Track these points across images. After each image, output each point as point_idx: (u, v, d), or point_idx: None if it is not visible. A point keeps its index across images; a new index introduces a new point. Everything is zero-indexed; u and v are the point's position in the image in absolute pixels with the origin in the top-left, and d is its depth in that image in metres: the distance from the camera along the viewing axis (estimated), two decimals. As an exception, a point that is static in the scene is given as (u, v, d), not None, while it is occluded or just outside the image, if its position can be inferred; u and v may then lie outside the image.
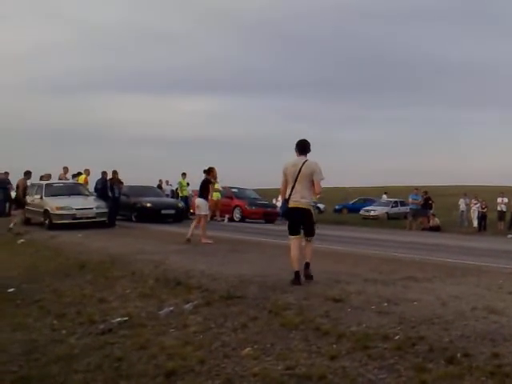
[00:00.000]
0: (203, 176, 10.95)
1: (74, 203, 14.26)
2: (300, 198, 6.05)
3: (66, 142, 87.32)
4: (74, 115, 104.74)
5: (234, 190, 21.29)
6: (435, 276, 6.67)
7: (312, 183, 6.05)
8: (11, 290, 6.71)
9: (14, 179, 19.02)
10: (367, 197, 39.25)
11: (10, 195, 19.05)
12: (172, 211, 17.49)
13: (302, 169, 6.01)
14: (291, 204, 6.10)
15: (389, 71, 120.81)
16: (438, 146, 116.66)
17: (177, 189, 21.89)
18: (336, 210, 35.32)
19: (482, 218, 21.67)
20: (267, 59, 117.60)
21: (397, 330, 4.16)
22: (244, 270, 6.95)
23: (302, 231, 6.27)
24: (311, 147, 6.23)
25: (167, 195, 20.85)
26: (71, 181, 17.58)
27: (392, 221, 26.43)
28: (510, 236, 18.58)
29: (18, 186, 14.25)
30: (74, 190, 15.62)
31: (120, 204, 16.09)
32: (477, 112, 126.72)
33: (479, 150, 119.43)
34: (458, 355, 3.55)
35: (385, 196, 34.14)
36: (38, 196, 14.71)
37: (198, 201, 10.74)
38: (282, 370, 3.52)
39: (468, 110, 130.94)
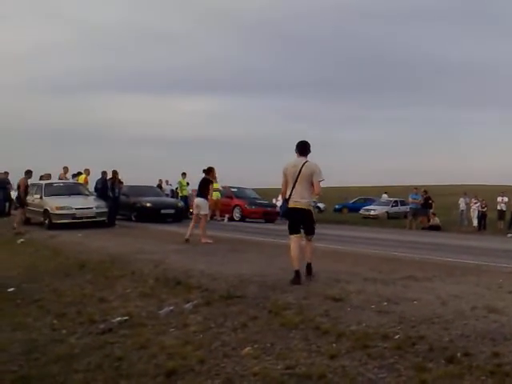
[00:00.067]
0: (203, 176, 10.94)
1: (74, 203, 14.26)
2: (300, 199, 6.09)
3: (66, 142, 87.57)
4: (74, 115, 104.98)
5: (233, 189, 21.28)
6: (435, 275, 6.67)
7: (312, 184, 6.10)
8: (11, 289, 6.70)
9: (14, 179, 19.09)
10: (367, 196, 39.26)
11: (9, 195, 19.09)
12: (172, 211, 17.48)
13: (302, 170, 6.06)
14: (291, 204, 6.15)
15: (389, 71, 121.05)
16: (438, 145, 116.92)
17: (177, 188, 21.89)
18: (336, 210, 35.30)
19: (482, 217, 21.68)
20: (267, 59, 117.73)
21: (397, 329, 4.16)
22: (244, 270, 6.95)
23: (302, 230, 6.30)
24: (311, 148, 6.30)
25: (167, 195, 20.84)
26: (71, 181, 17.58)
27: (392, 220, 26.43)
28: (509, 235, 18.59)
29: (19, 186, 14.24)
30: (73, 190, 15.61)
31: (120, 204, 16.08)
32: (477, 112, 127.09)
33: (479, 150, 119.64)
34: (458, 354, 3.55)
35: (385, 195, 34.11)
36: (38, 196, 14.71)
37: (198, 200, 10.69)
38: (281, 369, 3.52)
39: (468, 110, 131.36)
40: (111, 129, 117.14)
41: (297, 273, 6.05)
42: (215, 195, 17.88)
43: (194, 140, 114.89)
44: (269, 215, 20.10)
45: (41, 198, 14.61)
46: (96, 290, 6.36)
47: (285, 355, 3.75)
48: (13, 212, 18.28)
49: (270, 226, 18.17)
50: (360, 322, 4.39)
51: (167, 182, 23.21)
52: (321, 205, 31.26)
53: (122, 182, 16.71)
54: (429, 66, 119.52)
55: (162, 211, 17.25)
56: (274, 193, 23.59)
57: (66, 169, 18.35)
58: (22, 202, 13.92)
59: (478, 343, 3.78)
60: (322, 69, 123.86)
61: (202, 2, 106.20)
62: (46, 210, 14.14)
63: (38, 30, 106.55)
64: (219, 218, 19.53)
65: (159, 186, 22.04)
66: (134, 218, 17.10)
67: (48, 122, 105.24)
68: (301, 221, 6.21)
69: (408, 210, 23.09)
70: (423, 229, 20.57)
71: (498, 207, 21.50)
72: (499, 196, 21.72)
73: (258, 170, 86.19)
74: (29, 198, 14.70)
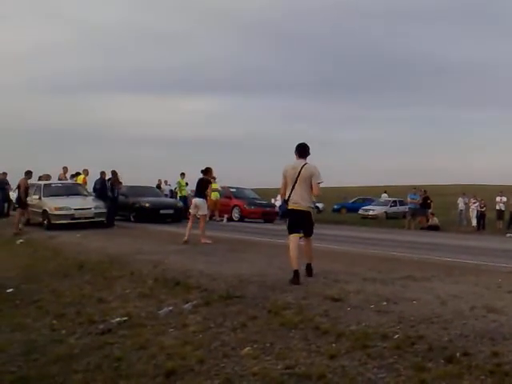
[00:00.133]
0: (200, 176, 10.92)
1: (73, 203, 14.25)
2: (300, 200, 6.20)
3: (66, 142, 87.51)
4: (74, 115, 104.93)
5: (232, 189, 21.29)
6: (434, 275, 6.68)
7: (311, 186, 6.20)
8: (10, 290, 6.70)
9: (14, 179, 19.06)
10: (366, 196, 39.26)
11: (8, 195, 19.06)
12: (171, 211, 17.47)
13: (302, 171, 6.16)
14: (291, 206, 6.24)
15: (389, 71, 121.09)
16: (438, 145, 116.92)
17: (175, 188, 21.89)
18: (335, 210, 35.30)
19: (481, 217, 21.71)
20: (267, 59, 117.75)
21: (396, 329, 4.16)
22: (243, 270, 6.95)
23: (301, 231, 6.34)
24: (310, 151, 6.42)
25: (166, 195, 20.85)
26: (70, 181, 17.56)
27: (391, 220, 26.43)
28: (508, 235, 18.60)
29: (19, 186, 14.23)
30: (72, 191, 15.60)
31: (119, 204, 16.07)
32: (477, 112, 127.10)
33: (479, 150, 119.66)
34: (458, 354, 3.55)
35: (385, 195, 34.08)
36: (37, 196, 14.69)
37: (197, 201, 10.65)
38: (281, 369, 3.52)
39: (468, 110, 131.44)
40: (111, 129, 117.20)
41: (296, 273, 6.06)
42: (214, 195, 17.88)
43: (194, 140, 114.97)
44: (268, 215, 20.11)
45: (39, 198, 14.60)
46: (95, 291, 6.36)
47: (284, 355, 3.75)
48: (12, 213, 18.25)
49: (269, 226, 18.17)
50: (359, 321, 4.39)
51: (166, 182, 23.22)
52: (319, 205, 31.24)
53: (120, 183, 16.69)
54: (429, 66, 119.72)
55: (161, 211, 17.25)
56: (274, 193, 23.61)
57: (65, 169, 18.36)
58: (22, 202, 13.91)
59: (477, 343, 3.78)
60: (322, 69, 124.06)
61: (202, 2, 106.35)
62: (45, 210, 14.13)
63: (38, 29, 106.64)
64: (218, 219, 19.53)
65: (158, 186, 22.05)
66: (132, 219, 17.08)
67: (48, 121, 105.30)
68: (300, 222, 6.28)
69: (407, 210, 23.11)
70: (422, 229, 20.58)
71: (497, 207, 21.54)
72: (498, 196, 21.75)
73: (257, 170, 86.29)
74: (28, 199, 14.69)
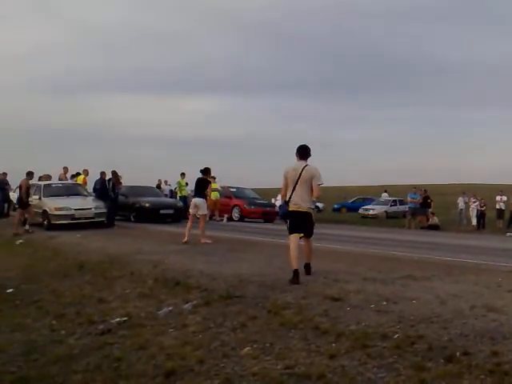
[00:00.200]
0: (199, 176, 10.91)
1: (73, 204, 14.25)
2: (300, 202, 6.25)
3: (66, 142, 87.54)
4: (74, 115, 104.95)
5: (232, 189, 21.29)
6: (434, 274, 6.68)
7: (311, 187, 6.25)
8: (10, 290, 6.70)
9: (14, 179, 19.07)
10: (366, 196, 39.25)
11: (8, 196, 19.07)
12: (171, 211, 17.48)
13: (303, 173, 6.22)
14: (292, 207, 6.29)
15: (389, 71, 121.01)
16: (438, 145, 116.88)
17: (175, 188, 21.89)
18: (335, 209, 35.29)
19: (481, 216, 21.70)
20: (267, 59, 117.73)
21: (396, 328, 4.16)
22: (243, 270, 6.95)
23: (301, 231, 6.35)
24: (311, 152, 6.47)
25: (166, 195, 20.86)
26: (70, 181, 17.57)
27: (391, 219, 26.41)
28: (508, 234, 18.60)
29: (20, 187, 14.25)
30: (72, 191, 15.61)
31: (119, 204, 16.07)
32: (477, 112, 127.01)
33: (479, 150, 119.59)
34: (457, 354, 3.55)
35: (385, 194, 34.02)
36: (37, 197, 14.70)
37: (197, 200, 10.64)
38: (281, 369, 3.52)
39: (468, 110, 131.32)
40: (111, 129, 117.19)
41: (296, 272, 6.06)
42: (214, 195, 17.88)
43: (194, 140, 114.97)
44: (268, 215, 20.11)
45: (39, 198, 14.60)
46: (95, 291, 6.36)
47: (284, 355, 3.75)
48: (12, 213, 18.26)
49: (268, 225, 18.18)
50: (359, 321, 4.39)
51: (166, 182, 23.24)
52: (319, 204, 31.23)
53: (120, 183, 16.70)
54: (429, 66, 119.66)
55: (161, 211, 17.25)
56: (274, 193, 23.62)
57: (66, 169, 18.38)
58: (23, 203, 13.92)
59: (477, 342, 3.78)
60: (322, 69, 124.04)
61: (202, 2, 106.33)
62: (45, 210, 14.13)
63: (38, 29, 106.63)
64: (218, 218, 19.53)
65: (158, 186, 22.06)
66: (132, 219, 17.09)
67: (48, 121, 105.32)
68: (301, 223, 6.33)
69: (407, 209, 23.10)
70: (422, 228, 20.58)
71: (497, 206, 21.53)
72: (498, 195, 21.74)
73: (257, 170, 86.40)
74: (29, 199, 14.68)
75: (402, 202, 29.26)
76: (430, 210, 21.69)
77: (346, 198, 39.20)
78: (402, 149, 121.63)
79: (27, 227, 13.73)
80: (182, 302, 5.40)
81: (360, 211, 30.83)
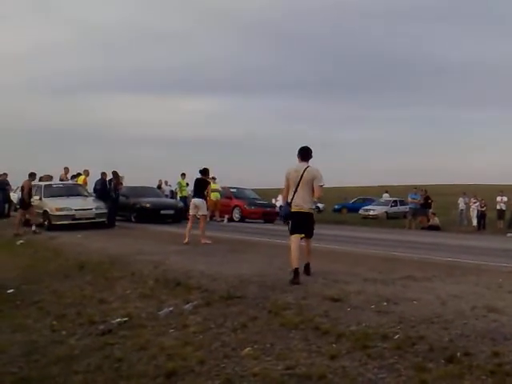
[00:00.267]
0: (198, 176, 10.91)
1: (74, 204, 14.26)
2: (302, 203, 6.29)
3: (66, 142, 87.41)
4: (74, 115, 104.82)
5: (233, 190, 21.29)
6: (435, 275, 6.67)
7: (313, 188, 6.30)
8: (11, 290, 6.71)
9: (14, 180, 19.10)
10: (366, 196, 39.25)
11: (9, 196, 19.09)
12: (171, 211, 17.48)
13: (304, 174, 6.26)
14: (294, 208, 6.32)
15: (389, 71, 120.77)
16: (438, 145, 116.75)
17: (176, 189, 21.90)
18: (335, 210, 35.28)
19: (482, 216, 21.67)
20: (267, 59, 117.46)
21: (396, 329, 4.16)
22: (243, 270, 6.95)
23: (302, 231, 6.38)
24: (312, 153, 6.50)
25: (166, 196, 20.86)
26: (70, 182, 17.58)
27: (391, 220, 26.41)
28: (509, 235, 18.57)
29: (23, 188, 14.28)
30: (73, 191, 15.62)
31: (119, 204, 16.08)
32: (477, 112, 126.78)
33: (479, 150, 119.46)
34: (458, 354, 3.55)
35: (386, 194, 33.99)
36: (38, 197, 14.70)
37: (197, 201, 10.62)
38: (281, 369, 3.52)
39: (468, 110, 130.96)
40: (111, 129, 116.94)
41: (296, 271, 6.07)
42: (214, 196, 17.88)
43: (194, 140, 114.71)
44: (268, 215, 20.11)
45: (40, 199, 14.61)
46: (96, 291, 6.36)
47: (285, 355, 3.75)
48: (12, 214, 18.27)
49: (269, 226, 18.17)
50: (360, 322, 4.39)
51: (166, 182, 23.24)
52: (320, 205, 31.23)
53: (121, 183, 16.70)
54: (429, 66, 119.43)
55: (162, 212, 17.25)
56: (274, 193, 23.63)
57: (66, 169, 18.39)
58: (25, 203, 13.94)
59: (478, 343, 3.78)
60: (322, 69, 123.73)
61: (202, 2, 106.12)
62: (46, 211, 14.14)
63: (38, 29, 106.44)
64: (219, 219, 19.53)
65: (159, 186, 22.06)
66: (133, 219, 17.09)
67: (48, 122, 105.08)
68: (303, 224, 6.37)
69: (407, 209, 23.10)
70: (423, 229, 20.57)
71: (498, 207, 21.50)
72: (498, 195, 21.72)
73: (257, 171, 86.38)
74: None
75: (402, 203, 29.24)
76: (431, 210, 21.68)
77: (347, 199, 39.19)
78: (402, 149, 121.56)
79: (34, 228, 13.72)
80: (183, 303, 5.40)
81: (360, 212, 30.82)
